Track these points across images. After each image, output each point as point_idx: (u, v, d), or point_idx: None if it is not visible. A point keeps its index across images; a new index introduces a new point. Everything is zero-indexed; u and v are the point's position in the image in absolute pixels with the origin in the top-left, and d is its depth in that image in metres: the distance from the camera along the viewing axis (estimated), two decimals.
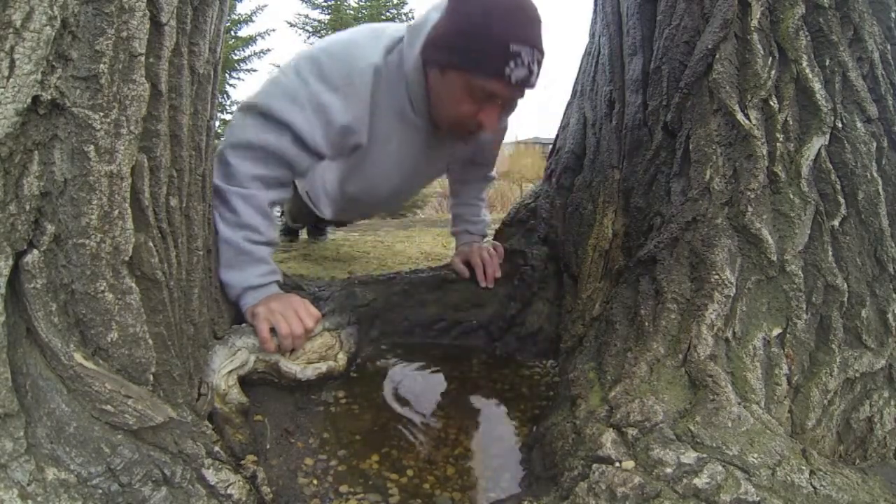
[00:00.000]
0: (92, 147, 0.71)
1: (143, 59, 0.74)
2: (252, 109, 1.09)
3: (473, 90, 1.04)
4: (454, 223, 1.71)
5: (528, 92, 1.08)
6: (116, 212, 0.74)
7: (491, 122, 1.07)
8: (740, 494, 0.77)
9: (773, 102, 1.06)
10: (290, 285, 1.41)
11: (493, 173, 1.72)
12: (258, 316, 1.09)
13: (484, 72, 1.01)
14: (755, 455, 0.83)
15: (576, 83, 1.70)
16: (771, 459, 0.82)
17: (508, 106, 1.11)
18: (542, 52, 1.03)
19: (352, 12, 10.34)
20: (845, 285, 1.02)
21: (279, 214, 2.45)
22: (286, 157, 1.10)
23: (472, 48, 1.00)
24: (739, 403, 0.90)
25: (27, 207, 0.68)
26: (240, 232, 1.09)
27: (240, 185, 1.07)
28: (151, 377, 0.79)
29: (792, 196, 1.03)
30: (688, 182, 1.12)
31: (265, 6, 8.59)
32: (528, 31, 1.01)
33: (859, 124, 1.06)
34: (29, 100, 0.65)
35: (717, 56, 1.09)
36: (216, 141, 1.04)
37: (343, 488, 0.93)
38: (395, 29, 1.18)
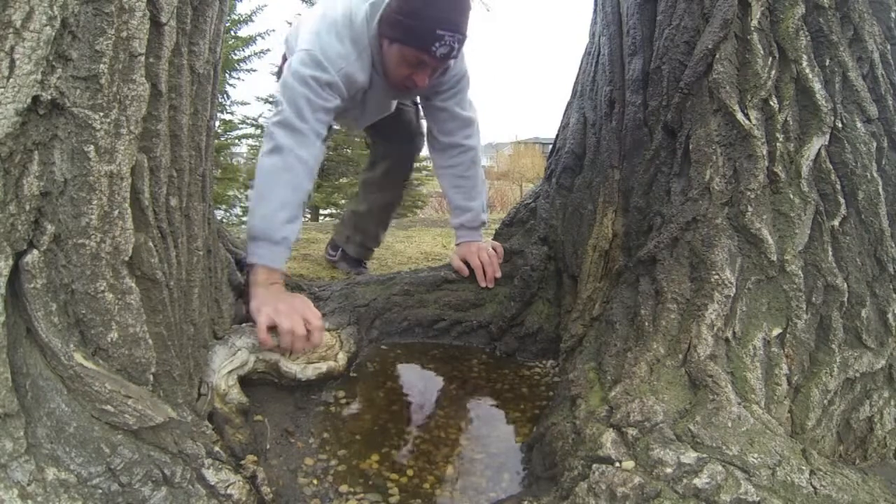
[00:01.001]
0: (92, 147, 0.71)
1: (143, 59, 0.74)
2: (305, 78, 1.34)
3: (409, 59, 1.38)
4: (451, 214, 1.71)
5: (450, 62, 1.47)
6: (116, 212, 0.74)
7: (421, 81, 1.43)
8: (740, 494, 0.76)
9: (773, 102, 1.06)
10: (291, 285, 1.41)
11: (473, 141, 1.66)
12: (262, 314, 1.09)
13: (416, 48, 1.34)
14: (755, 455, 0.82)
15: (576, 83, 1.70)
16: (771, 459, 0.82)
17: (437, 70, 1.47)
18: (463, 35, 1.36)
19: None
20: (845, 285, 1.02)
21: None
22: (332, 110, 1.39)
23: (409, 29, 1.33)
24: (739, 403, 0.90)
25: (27, 207, 0.68)
26: (307, 179, 1.30)
27: (315, 138, 1.34)
28: (151, 377, 0.79)
29: (792, 196, 1.03)
30: (688, 182, 1.12)
31: (265, 6, 8.57)
32: (452, 18, 1.32)
33: (859, 124, 1.06)
34: (29, 100, 0.65)
35: (717, 56, 1.09)
36: (216, 141, 1.05)
37: (343, 488, 0.93)
38: (358, 3, 1.44)
